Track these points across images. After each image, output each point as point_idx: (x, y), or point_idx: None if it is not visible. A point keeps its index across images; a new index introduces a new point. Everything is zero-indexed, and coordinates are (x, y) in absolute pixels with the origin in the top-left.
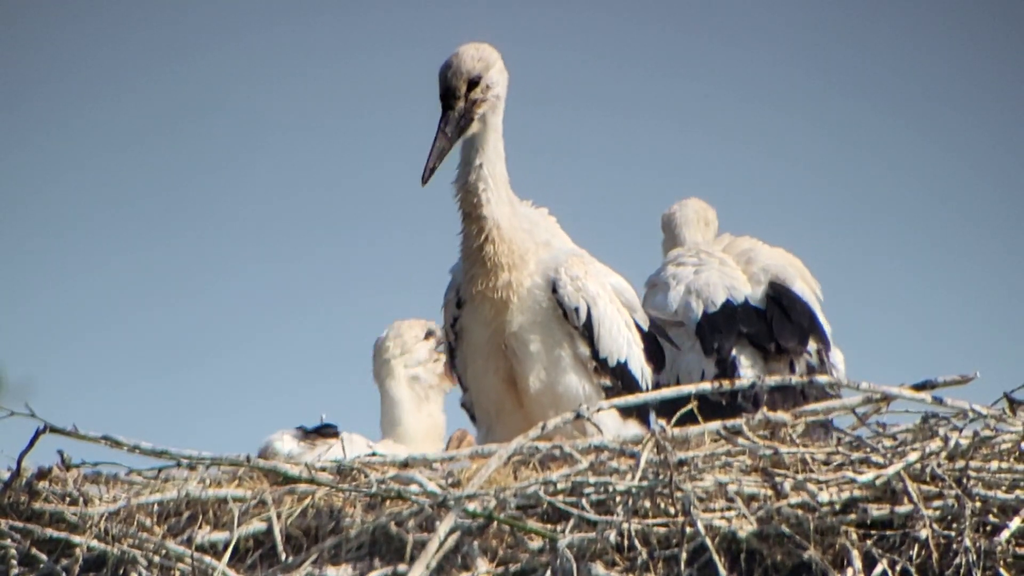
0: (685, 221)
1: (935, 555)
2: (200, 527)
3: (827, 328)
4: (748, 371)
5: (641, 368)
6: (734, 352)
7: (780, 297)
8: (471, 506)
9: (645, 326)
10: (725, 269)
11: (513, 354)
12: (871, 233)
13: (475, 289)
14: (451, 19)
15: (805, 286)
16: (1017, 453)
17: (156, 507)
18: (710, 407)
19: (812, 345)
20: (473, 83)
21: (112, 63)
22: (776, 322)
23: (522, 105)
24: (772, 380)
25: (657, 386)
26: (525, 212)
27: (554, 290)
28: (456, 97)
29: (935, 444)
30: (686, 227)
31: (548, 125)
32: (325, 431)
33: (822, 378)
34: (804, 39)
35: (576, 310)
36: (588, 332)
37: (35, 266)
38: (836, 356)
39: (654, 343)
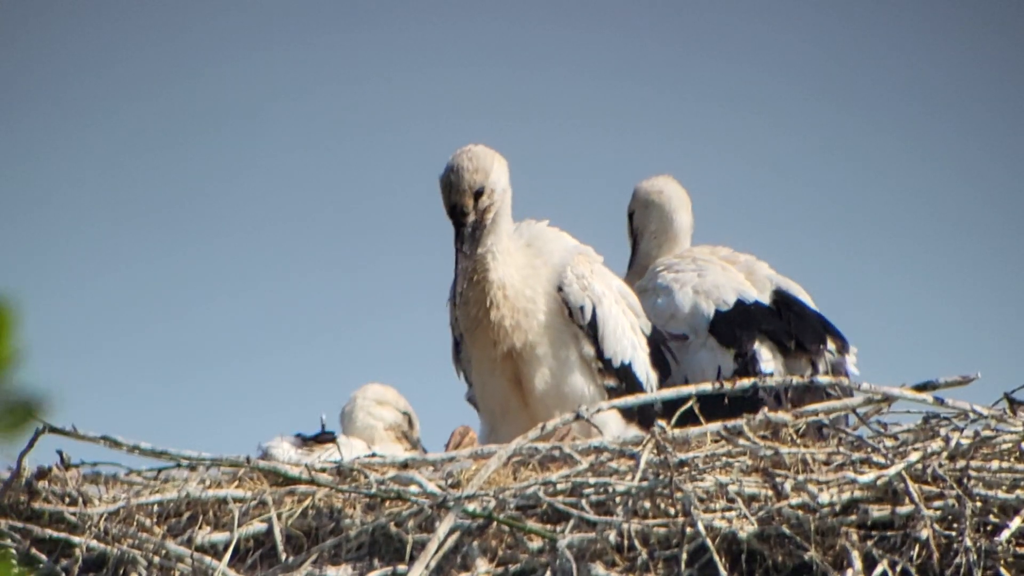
0: (680, 204)
1: (936, 555)
2: (200, 527)
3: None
4: (770, 365)
5: (647, 373)
6: (756, 346)
7: (790, 305)
8: (471, 506)
9: (648, 332)
10: (729, 274)
11: (519, 356)
12: (871, 233)
13: (476, 350)
14: (461, 35)
15: (808, 299)
16: (1017, 453)
17: (156, 507)
18: (734, 402)
19: (831, 344)
20: (479, 194)
21: (137, 72)
22: (794, 323)
23: (517, 118)
24: (771, 381)
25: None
26: (525, 237)
27: (559, 288)
28: (465, 213)
29: (936, 444)
30: (679, 211)
31: (538, 136)
32: (323, 438)
33: (823, 379)
34: (800, 45)
35: (581, 308)
36: (593, 331)
37: (35, 270)
38: (850, 357)
39: (658, 351)
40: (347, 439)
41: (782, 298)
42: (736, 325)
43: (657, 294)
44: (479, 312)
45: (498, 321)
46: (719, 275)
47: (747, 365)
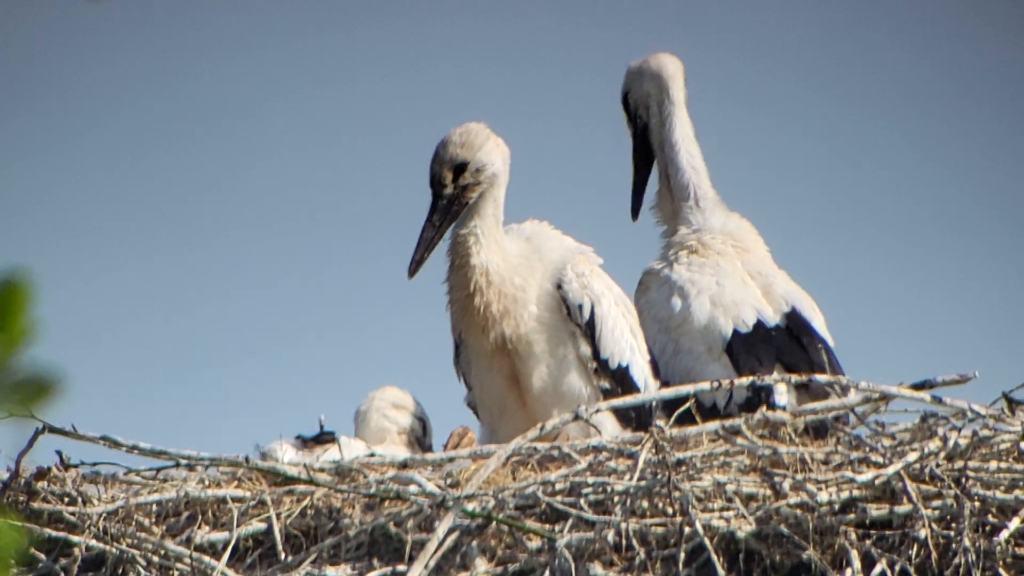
0: (676, 68)
1: (934, 555)
2: (199, 527)
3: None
4: (783, 398)
5: (645, 379)
6: (774, 375)
7: (800, 332)
8: (470, 506)
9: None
10: (748, 289)
11: (516, 353)
12: (870, 232)
13: (471, 339)
14: (464, 35)
15: (821, 322)
16: (1016, 453)
17: (155, 507)
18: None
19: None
20: (459, 169)
21: (137, 72)
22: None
23: (517, 118)
24: (769, 379)
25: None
26: (526, 234)
27: (558, 286)
28: (442, 185)
29: (934, 444)
30: (676, 77)
31: (538, 136)
32: (324, 439)
33: (821, 377)
34: (800, 45)
35: (580, 307)
36: (590, 331)
37: (33, 269)
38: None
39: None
40: (348, 439)
41: (796, 324)
42: (754, 354)
43: (671, 290)
44: (464, 297)
45: (483, 307)
46: (738, 288)
47: (760, 393)
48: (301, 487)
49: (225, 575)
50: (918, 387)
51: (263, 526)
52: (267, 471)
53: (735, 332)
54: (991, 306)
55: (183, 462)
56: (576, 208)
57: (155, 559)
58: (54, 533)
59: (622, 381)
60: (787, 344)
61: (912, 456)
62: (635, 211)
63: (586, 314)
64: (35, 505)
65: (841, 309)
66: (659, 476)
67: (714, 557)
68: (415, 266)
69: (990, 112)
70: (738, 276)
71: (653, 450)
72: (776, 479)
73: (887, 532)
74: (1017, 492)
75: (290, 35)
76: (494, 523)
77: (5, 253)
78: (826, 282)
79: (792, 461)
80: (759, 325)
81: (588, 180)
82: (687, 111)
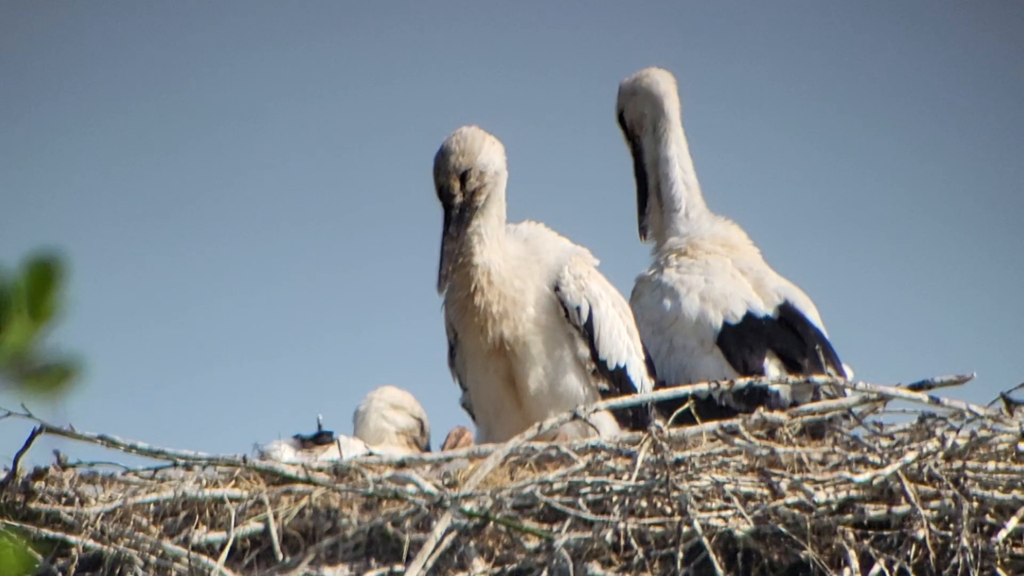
0: (669, 84)
1: (932, 555)
2: (197, 527)
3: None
4: (777, 385)
5: (641, 379)
6: (765, 363)
7: (794, 322)
8: (468, 506)
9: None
10: (737, 282)
11: (513, 354)
12: (868, 232)
13: (468, 339)
14: (464, 36)
15: (815, 315)
16: (1014, 453)
17: (152, 507)
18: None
19: (829, 369)
20: (464, 176)
21: (148, 69)
22: (797, 344)
23: (518, 118)
24: (766, 380)
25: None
26: (523, 235)
27: (556, 288)
28: (452, 195)
29: (932, 444)
30: (669, 93)
31: (538, 136)
32: (322, 439)
33: (819, 378)
34: (800, 45)
35: (578, 309)
36: (588, 332)
37: None
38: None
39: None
40: (347, 439)
41: (789, 314)
42: (745, 343)
43: (663, 293)
44: (464, 296)
45: (484, 306)
46: (727, 283)
47: (754, 386)
48: (299, 487)
49: (223, 575)
50: (916, 387)
51: (261, 526)
52: (265, 471)
53: (725, 324)
54: (990, 306)
55: (181, 462)
56: (574, 209)
57: (153, 559)
58: (51, 533)
59: (620, 382)
60: (778, 332)
61: (910, 456)
62: (643, 230)
63: (584, 316)
64: (32, 505)
65: (841, 310)
66: (657, 476)
67: (712, 556)
68: (443, 281)
69: (990, 112)
70: (728, 272)
71: (652, 450)
72: (774, 479)
73: (885, 532)
74: (1015, 492)
75: (291, 38)
76: (492, 523)
77: (4, 253)
78: (825, 283)
79: (790, 461)
80: (749, 316)
81: (587, 181)
82: (682, 126)
